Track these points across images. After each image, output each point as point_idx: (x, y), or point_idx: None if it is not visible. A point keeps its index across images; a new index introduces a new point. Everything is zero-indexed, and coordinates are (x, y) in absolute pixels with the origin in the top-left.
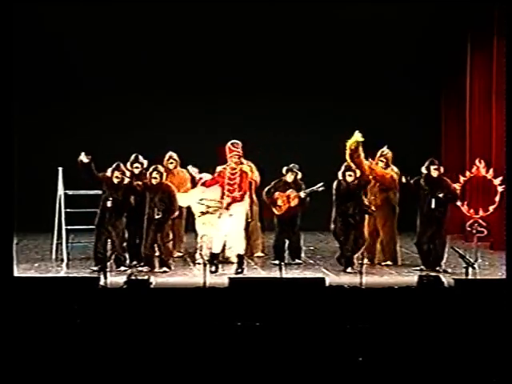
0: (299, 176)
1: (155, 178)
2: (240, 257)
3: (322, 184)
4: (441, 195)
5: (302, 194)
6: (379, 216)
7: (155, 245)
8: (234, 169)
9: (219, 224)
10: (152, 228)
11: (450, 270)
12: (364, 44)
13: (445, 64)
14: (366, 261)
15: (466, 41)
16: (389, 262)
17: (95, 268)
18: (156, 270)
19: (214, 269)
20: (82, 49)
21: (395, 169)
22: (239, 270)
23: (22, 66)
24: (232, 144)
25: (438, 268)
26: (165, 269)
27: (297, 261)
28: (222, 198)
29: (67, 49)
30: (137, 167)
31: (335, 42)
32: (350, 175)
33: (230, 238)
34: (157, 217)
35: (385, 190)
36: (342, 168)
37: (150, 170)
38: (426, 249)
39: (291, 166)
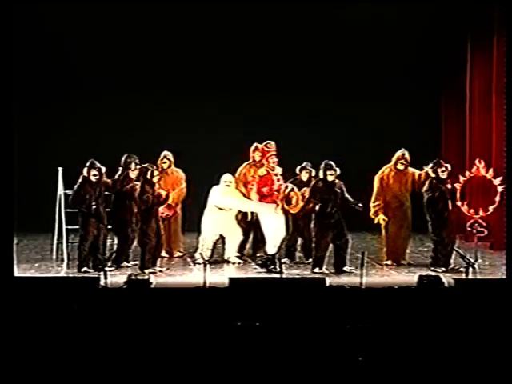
0: (313, 174)
1: (154, 175)
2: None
3: None
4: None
5: None
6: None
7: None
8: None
9: (268, 226)
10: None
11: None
12: (364, 44)
13: (445, 64)
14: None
15: (466, 41)
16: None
17: (83, 270)
18: (146, 271)
19: (276, 269)
20: (82, 49)
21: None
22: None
23: (22, 66)
24: (266, 145)
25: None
26: (150, 270)
27: (311, 260)
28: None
29: (67, 49)
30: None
31: (335, 42)
32: (332, 174)
33: (276, 238)
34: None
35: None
36: (322, 165)
37: (145, 166)
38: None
39: (304, 164)
